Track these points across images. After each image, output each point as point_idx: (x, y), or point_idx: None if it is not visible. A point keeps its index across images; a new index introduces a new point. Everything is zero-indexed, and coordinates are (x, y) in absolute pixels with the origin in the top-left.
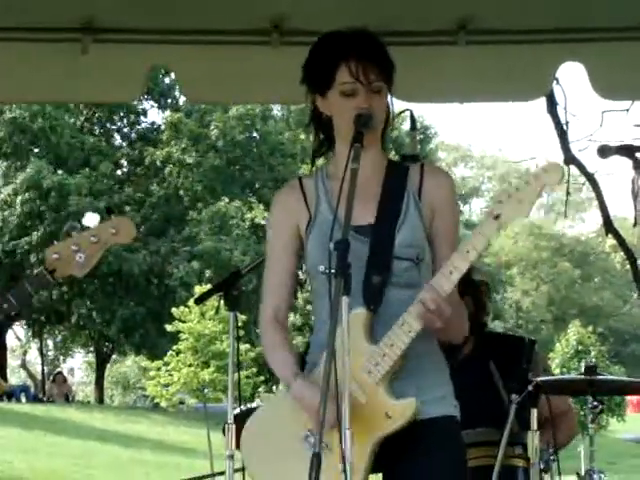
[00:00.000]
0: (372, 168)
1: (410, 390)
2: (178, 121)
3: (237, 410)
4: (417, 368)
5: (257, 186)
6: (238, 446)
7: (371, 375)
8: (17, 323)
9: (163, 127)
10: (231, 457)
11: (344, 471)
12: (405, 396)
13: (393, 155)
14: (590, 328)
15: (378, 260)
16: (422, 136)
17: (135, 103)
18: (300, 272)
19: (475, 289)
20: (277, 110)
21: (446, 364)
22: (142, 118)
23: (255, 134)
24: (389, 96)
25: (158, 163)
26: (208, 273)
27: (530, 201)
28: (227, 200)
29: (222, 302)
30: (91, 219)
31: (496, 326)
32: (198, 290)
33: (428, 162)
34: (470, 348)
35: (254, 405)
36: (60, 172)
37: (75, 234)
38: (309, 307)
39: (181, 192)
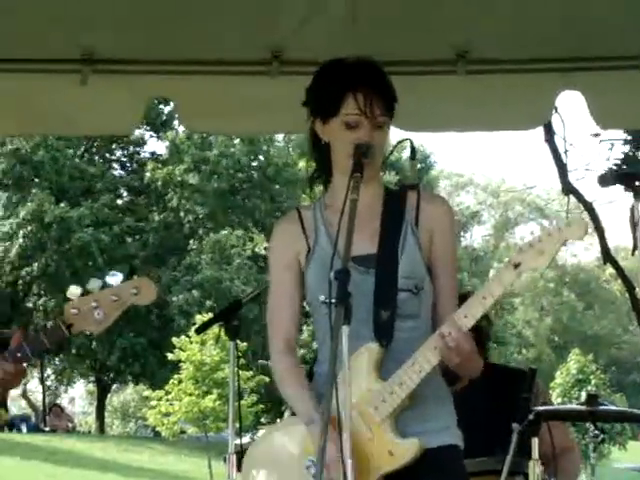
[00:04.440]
0: (371, 198)
1: (414, 420)
2: (180, 141)
3: (238, 440)
4: (421, 398)
5: (257, 216)
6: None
7: (377, 411)
8: None
9: (165, 149)
10: None
11: None
12: (409, 426)
13: (394, 176)
14: (590, 356)
15: (384, 294)
16: (422, 165)
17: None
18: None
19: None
20: (279, 139)
21: (450, 394)
22: (142, 148)
23: (255, 162)
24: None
25: (159, 185)
26: (209, 303)
27: (550, 253)
28: (230, 230)
29: (223, 331)
30: (114, 278)
31: (496, 354)
32: (198, 319)
33: (424, 188)
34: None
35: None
36: (62, 205)
37: (96, 291)
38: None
39: (182, 214)
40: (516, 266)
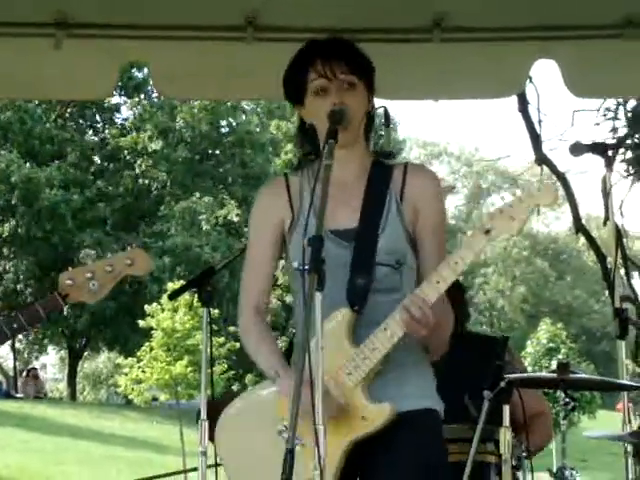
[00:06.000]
0: (358, 170)
1: (392, 385)
2: (143, 110)
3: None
4: (399, 363)
5: (229, 182)
6: (211, 439)
7: (350, 377)
8: None
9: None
10: (204, 453)
11: (319, 468)
12: (387, 391)
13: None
14: (560, 325)
15: (361, 265)
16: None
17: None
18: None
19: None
20: (243, 106)
21: (427, 359)
22: (116, 114)
23: (222, 129)
24: (367, 95)
25: (127, 154)
26: (179, 269)
27: (521, 219)
28: (198, 195)
29: (195, 298)
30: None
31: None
32: (170, 286)
33: (412, 162)
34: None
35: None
36: (29, 165)
37: (90, 262)
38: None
39: (146, 181)
40: (487, 232)
